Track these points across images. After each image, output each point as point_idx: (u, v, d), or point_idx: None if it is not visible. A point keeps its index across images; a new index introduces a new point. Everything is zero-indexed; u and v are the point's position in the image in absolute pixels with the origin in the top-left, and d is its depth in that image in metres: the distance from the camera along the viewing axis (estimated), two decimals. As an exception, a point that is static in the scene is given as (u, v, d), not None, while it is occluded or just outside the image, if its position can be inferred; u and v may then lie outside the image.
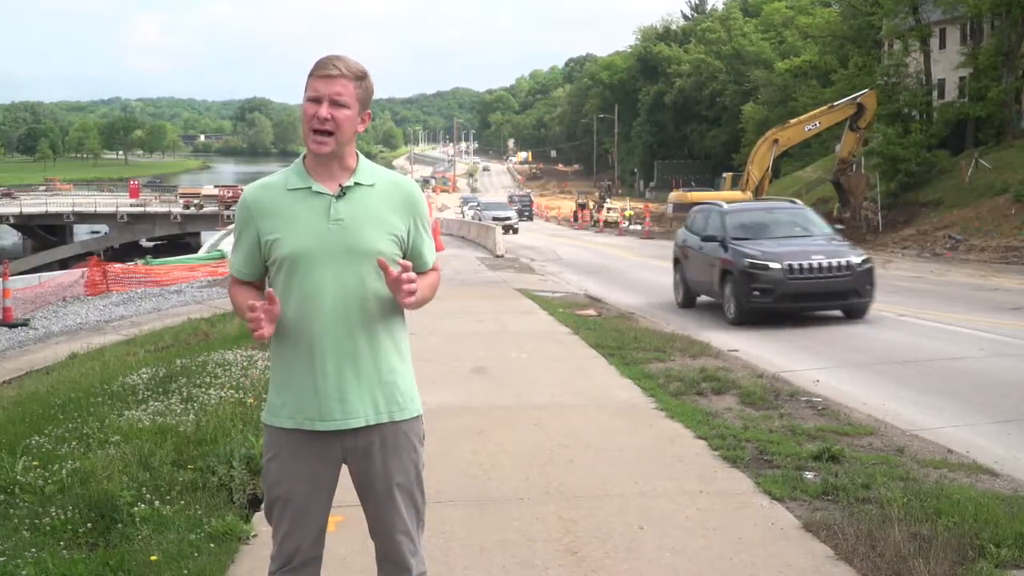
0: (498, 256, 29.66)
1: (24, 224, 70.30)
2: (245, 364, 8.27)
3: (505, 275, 21.65)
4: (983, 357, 9.82)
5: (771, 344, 11.05)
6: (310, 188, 2.74)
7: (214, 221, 63.14)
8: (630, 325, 12.13)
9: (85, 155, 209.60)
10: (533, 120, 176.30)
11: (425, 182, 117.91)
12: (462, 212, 66.48)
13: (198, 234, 67.09)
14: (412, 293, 2.65)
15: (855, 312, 12.89)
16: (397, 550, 2.81)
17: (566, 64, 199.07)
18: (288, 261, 2.72)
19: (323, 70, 2.68)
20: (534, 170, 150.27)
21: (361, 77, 2.72)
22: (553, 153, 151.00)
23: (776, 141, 36.16)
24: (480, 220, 46.84)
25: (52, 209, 69.74)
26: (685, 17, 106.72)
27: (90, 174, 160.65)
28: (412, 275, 2.64)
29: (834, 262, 12.62)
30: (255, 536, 4.40)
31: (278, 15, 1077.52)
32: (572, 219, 62.85)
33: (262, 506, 3.32)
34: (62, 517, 4.42)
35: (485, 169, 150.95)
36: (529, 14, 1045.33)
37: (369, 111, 2.80)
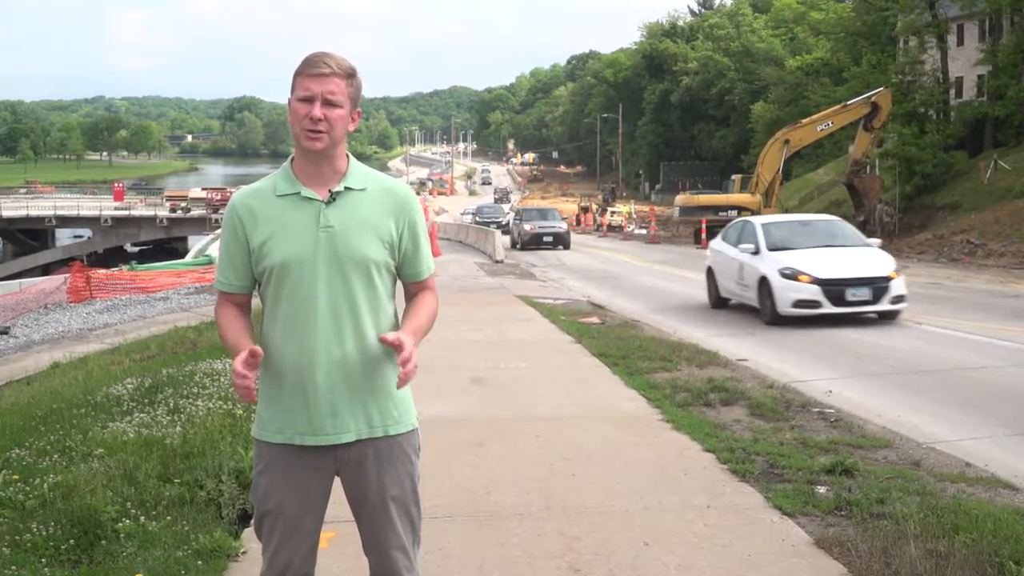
0: (497, 261, 29.70)
1: (4, 228, 70.25)
2: (234, 374, 8.27)
3: (505, 281, 21.68)
4: (1003, 366, 9.82)
5: (782, 353, 11.06)
6: (299, 193, 2.75)
7: (202, 225, 63.18)
8: (635, 333, 12.13)
9: (68, 156, 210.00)
10: (534, 120, 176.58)
11: (422, 184, 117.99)
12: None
13: (185, 238, 67.14)
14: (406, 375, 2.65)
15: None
16: (392, 567, 2.81)
17: (568, 62, 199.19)
18: (278, 270, 2.73)
19: (314, 68, 2.69)
20: (535, 171, 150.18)
21: (351, 74, 2.74)
22: (555, 154, 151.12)
23: (787, 142, 36.28)
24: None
25: (33, 212, 69.76)
26: (692, 13, 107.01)
27: (73, 176, 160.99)
28: (408, 357, 2.63)
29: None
30: (244, 553, 4.40)
31: (268, 11, 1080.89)
32: (574, 223, 63.07)
33: (252, 521, 3.33)
34: (44, 533, 4.42)
35: (486, 183, 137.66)
36: (530, 9, 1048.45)
37: (359, 109, 2.82)
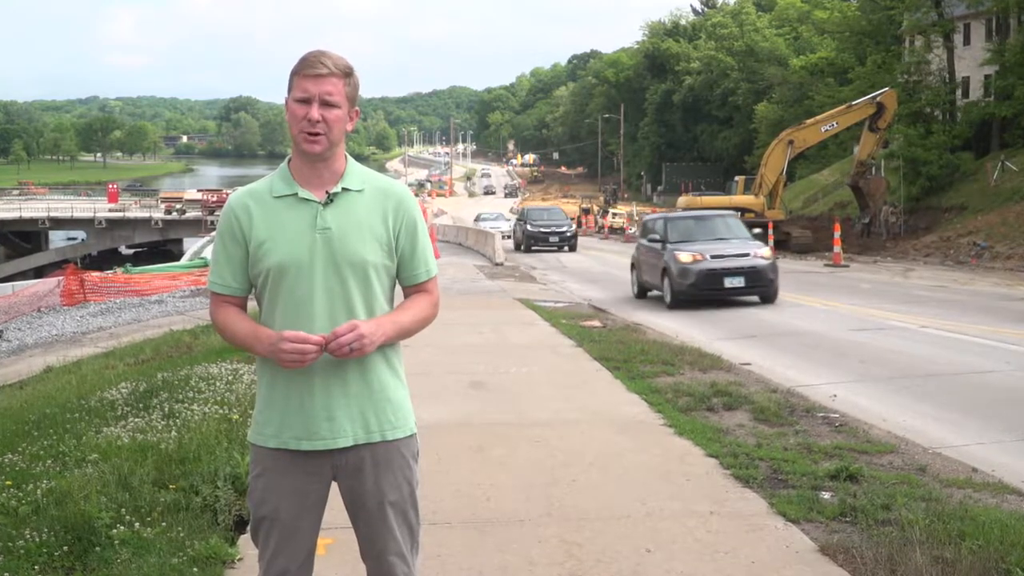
0: (497, 264, 29.72)
1: (-4, 230, 70.39)
2: (230, 378, 8.29)
3: (505, 284, 21.68)
4: (1010, 371, 9.81)
5: (785, 358, 11.06)
6: (296, 194, 2.75)
7: (197, 227, 63.25)
8: (637, 337, 12.14)
9: (61, 157, 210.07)
10: (534, 120, 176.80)
11: (420, 186, 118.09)
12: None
13: (180, 241, 67.34)
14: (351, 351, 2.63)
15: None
16: (390, 572, 2.81)
17: (569, 61, 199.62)
18: (274, 272, 2.72)
19: (312, 68, 2.69)
20: (535, 173, 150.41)
21: (348, 73, 2.74)
22: (555, 155, 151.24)
23: (791, 142, 36.26)
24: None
25: (26, 214, 69.83)
26: (695, 11, 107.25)
27: (66, 177, 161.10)
28: (341, 332, 2.62)
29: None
30: (241, 560, 4.40)
31: (264, 9, 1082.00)
32: (575, 225, 63.10)
33: (248, 527, 3.33)
34: (37, 540, 4.42)
35: (488, 192, 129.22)
36: (530, 8, 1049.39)
37: (357, 108, 2.82)
